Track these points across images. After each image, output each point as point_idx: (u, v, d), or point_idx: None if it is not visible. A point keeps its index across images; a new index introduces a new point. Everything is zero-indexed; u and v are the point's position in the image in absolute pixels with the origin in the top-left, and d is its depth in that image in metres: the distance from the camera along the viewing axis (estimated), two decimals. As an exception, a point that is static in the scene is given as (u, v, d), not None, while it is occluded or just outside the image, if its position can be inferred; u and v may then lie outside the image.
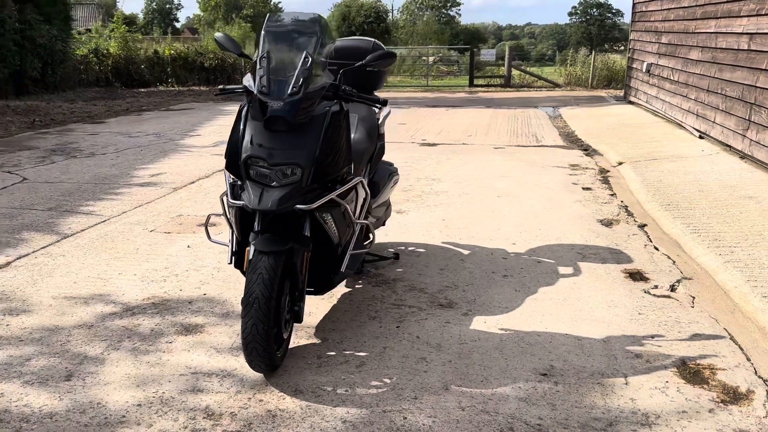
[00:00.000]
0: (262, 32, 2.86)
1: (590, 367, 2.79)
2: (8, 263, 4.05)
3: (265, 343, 2.51)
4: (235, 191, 2.80)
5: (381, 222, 4.01)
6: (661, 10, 10.21)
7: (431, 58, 27.96)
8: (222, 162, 2.94)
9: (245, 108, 2.80)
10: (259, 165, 2.66)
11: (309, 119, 2.73)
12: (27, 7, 15.01)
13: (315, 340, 3.03)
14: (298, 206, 2.65)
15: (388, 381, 2.67)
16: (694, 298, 3.55)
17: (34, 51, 14.94)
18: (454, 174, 6.76)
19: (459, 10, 54.59)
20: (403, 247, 4.39)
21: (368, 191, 3.12)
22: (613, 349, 2.95)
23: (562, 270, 3.96)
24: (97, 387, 2.61)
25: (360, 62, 3.07)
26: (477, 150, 8.30)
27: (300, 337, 3.06)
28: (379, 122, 3.84)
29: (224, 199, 2.86)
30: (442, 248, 4.38)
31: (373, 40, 4.09)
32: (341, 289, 3.64)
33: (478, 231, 4.76)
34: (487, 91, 17.96)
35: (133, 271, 3.91)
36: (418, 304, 3.44)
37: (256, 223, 2.75)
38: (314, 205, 2.68)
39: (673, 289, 3.68)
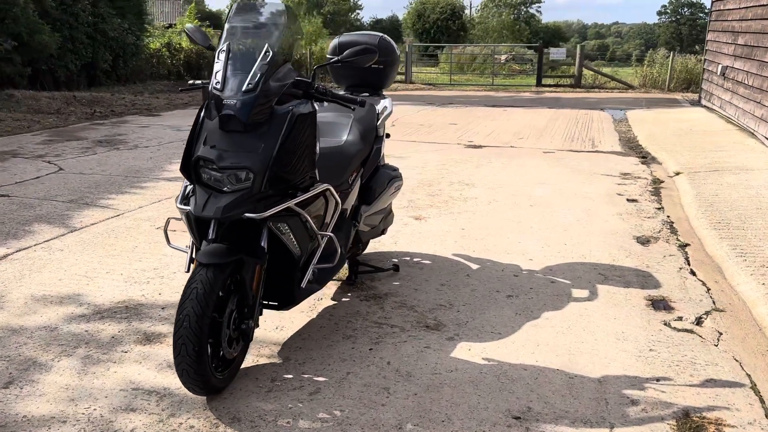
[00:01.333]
0: (225, 24, 2.65)
1: (573, 412, 2.43)
2: (5, 256, 4.01)
3: (197, 365, 2.29)
4: (188, 195, 2.59)
5: (378, 231, 3.73)
6: (739, 8, 9.40)
7: (503, 57, 27.30)
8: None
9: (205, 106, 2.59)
10: (210, 168, 2.44)
11: (268, 119, 2.50)
12: (101, 1, 15.51)
13: (276, 360, 2.79)
14: (247, 215, 2.42)
15: (338, 414, 2.40)
16: (720, 334, 3.10)
17: (105, 44, 15.42)
18: (490, 179, 6.38)
19: (539, 7, 52.96)
20: (408, 257, 4.10)
21: (338, 200, 2.85)
22: (606, 392, 2.56)
23: (576, 293, 3.57)
24: (30, 398, 2.46)
25: (335, 58, 2.81)
26: (524, 154, 7.86)
27: (261, 355, 2.83)
28: (378, 123, 3.56)
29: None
30: (450, 261, 4.06)
31: (380, 35, 3.81)
32: (325, 302, 3.39)
33: (496, 243, 4.40)
34: (554, 92, 17.25)
35: (120, 270, 3.79)
36: (402, 324, 3.14)
37: (210, 231, 2.53)
38: (266, 214, 2.44)
39: (698, 322, 3.23)
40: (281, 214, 2.51)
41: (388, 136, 3.98)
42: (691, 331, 3.12)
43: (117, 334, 3.00)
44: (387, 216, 3.78)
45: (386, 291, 3.55)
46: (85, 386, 2.55)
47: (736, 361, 2.83)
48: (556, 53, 18.77)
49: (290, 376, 2.66)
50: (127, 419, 2.34)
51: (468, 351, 2.89)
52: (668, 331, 3.12)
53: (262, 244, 2.55)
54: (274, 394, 2.52)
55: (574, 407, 2.46)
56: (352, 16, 68.18)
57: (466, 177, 6.47)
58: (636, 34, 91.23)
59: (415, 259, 4.07)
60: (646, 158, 7.68)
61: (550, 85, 18.56)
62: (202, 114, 2.56)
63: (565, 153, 7.97)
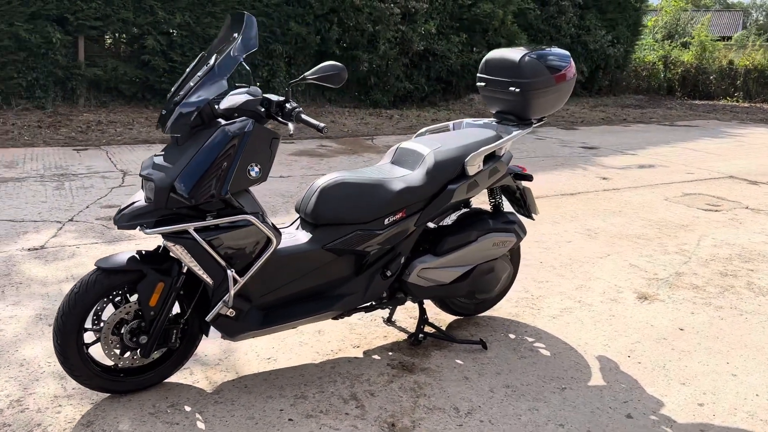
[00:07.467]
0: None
1: None
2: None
3: (62, 358, 2.38)
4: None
5: (460, 292, 2.95)
6: None
7: None
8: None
9: None
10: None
11: (201, 134, 2.36)
12: (589, 12, 15.68)
13: (208, 388, 2.61)
14: (141, 228, 2.35)
15: (146, 465, 2.15)
16: None
17: (586, 55, 15.55)
18: None
19: None
20: (533, 338, 3.14)
21: (270, 236, 2.42)
22: None
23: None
24: (18, 343, 2.96)
25: (302, 75, 2.43)
26: None
27: (208, 378, 2.68)
28: (467, 159, 2.83)
29: None
30: (577, 362, 2.93)
31: (526, 52, 3.01)
32: (359, 351, 2.94)
33: (688, 365, 2.95)
34: None
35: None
36: (371, 410, 2.49)
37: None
38: (155, 230, 2.32)
39: None
40: (183, 236, 2.34)
41: (528, 178, 3.14)
42: None
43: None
44: (480, 278, 2.97)
45: (430, 366, 2.84)
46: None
47: None
48: None
49: (189, 409, 2.47)
50: (29, 389, 2.58)
51: (375, 475, 2.14)
52: None
53: (182, 264, 2.43)
54: (148, 419, 2.39)
55: None
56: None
57: (828, 263, 4.38)
58: None
59: (536, 344, 3.09)
60: None
61: None
62: None
63: None
